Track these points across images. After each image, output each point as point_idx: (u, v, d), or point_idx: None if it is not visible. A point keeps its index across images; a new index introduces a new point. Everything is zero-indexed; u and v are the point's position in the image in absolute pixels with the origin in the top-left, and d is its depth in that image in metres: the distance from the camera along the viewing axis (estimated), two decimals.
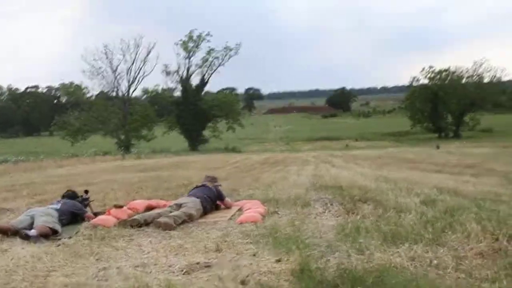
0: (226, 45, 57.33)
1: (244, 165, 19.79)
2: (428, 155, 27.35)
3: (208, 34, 56.88)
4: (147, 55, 54.10)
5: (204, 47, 56.92)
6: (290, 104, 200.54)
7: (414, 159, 23.44)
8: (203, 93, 59.34)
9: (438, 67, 77.18)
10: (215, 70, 57.42)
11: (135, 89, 55.91)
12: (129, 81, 53.92)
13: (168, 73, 56.74)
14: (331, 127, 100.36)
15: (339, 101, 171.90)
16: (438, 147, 37.97)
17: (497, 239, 5.03)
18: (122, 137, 52.65)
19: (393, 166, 18.61)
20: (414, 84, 79.53)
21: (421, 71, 77.36)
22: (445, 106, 72.88)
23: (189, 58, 56.21)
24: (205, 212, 7.40)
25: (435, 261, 4.47)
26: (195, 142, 55.40)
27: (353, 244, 5.08)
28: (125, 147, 49.84)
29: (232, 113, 60.64)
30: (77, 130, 53.52)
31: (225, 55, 57.13)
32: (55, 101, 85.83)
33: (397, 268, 4.33)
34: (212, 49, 56.73)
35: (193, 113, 55.56)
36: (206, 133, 58.25)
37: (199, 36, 56.53)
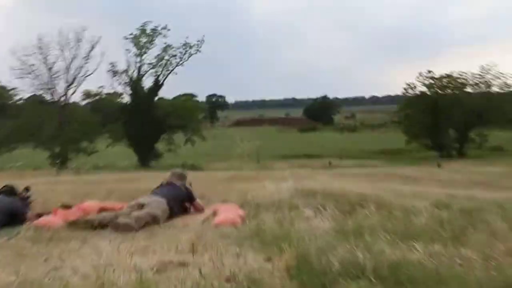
0: (185, 41, 56.94)
1: (209, 180, 19.72)
2: (428, 173, 27.55)
3: (165, 28, 56.34)
4: (90, 51, 53.43)
5: (159, 43, 56.55)
6: (260, 115, 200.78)
7: (412, 176, 23.60)
8: (156, 98, 58.71)
9: (437, 72, 76.94)
10: (172, 71, 56.85)
11: (74, 92, 55.19)
12: (67, 82, 53.30)
13: (115, 73, 55.88)
14: (310, 143, 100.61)
15: (319, 112, 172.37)
16: (439, 166, 38.21)
17: None
18: (57, 149, 51.96)
19: (389, 183, 18.71)
20: (410, 93, 79.20)
21: (418, 77, 76.89)
22: (447, 119, 72.51)
23: (141, 56, 55.59)
24: (172, 214, 7.37)
25: (458, 260, 4.51)
26: (146, 157, 54.91)
27: (356, 242, 5.10)
28: (61, 161, 49.24)
29: (192, 123, 60.30)
30: (1, 141, 52.71)
31: (184, 53, 56.72)
32: None
33: (414, 264, 4.36)
34: (169, 46, 56.17)
35: (145, 121, 54.84)
36: (160, 146, 57.73)
37: (153, 30, 55.96)
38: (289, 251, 4.84)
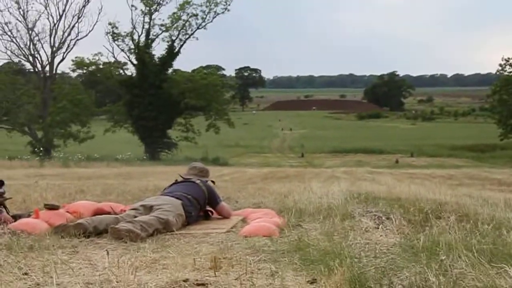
0: None
1: (237, 179, 19.85)
2: None
3: None
4: (84, 6, 53.78)
5: None
6: (306, 96, 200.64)
7: (507, 181, 23.44)
8: (170, 70, 58.68)
9: None
10: (191, 35, 56.92)
11: (62, 60, 55.34)
12: (53, 47, 53.42)
13: (116, 37, 56.12)
14: (371, 134, 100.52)
15: (385, 94, 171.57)
16: None
17: None
18: (40, 134, 52.15)
19: (475, 188, 18.57)
20: (507, 71, 77.99)
21: None
22: None
23: (151, 15, 55.70)
24: (188, 220, 7.45)
25: None
26: (156, 147, 54.84)
27: (429, 263, 5.10)
28: (44, 149, 49.40)
29: (216, 104, 59.93)
30: None
31: (208, 12, 56.66)
32: None
33: None
34: (188, 2, 56.17)
35: (154, 101, 54.64)
36: (174, 133, 57.64)
37: None
38: (340, 271, 4.83)
